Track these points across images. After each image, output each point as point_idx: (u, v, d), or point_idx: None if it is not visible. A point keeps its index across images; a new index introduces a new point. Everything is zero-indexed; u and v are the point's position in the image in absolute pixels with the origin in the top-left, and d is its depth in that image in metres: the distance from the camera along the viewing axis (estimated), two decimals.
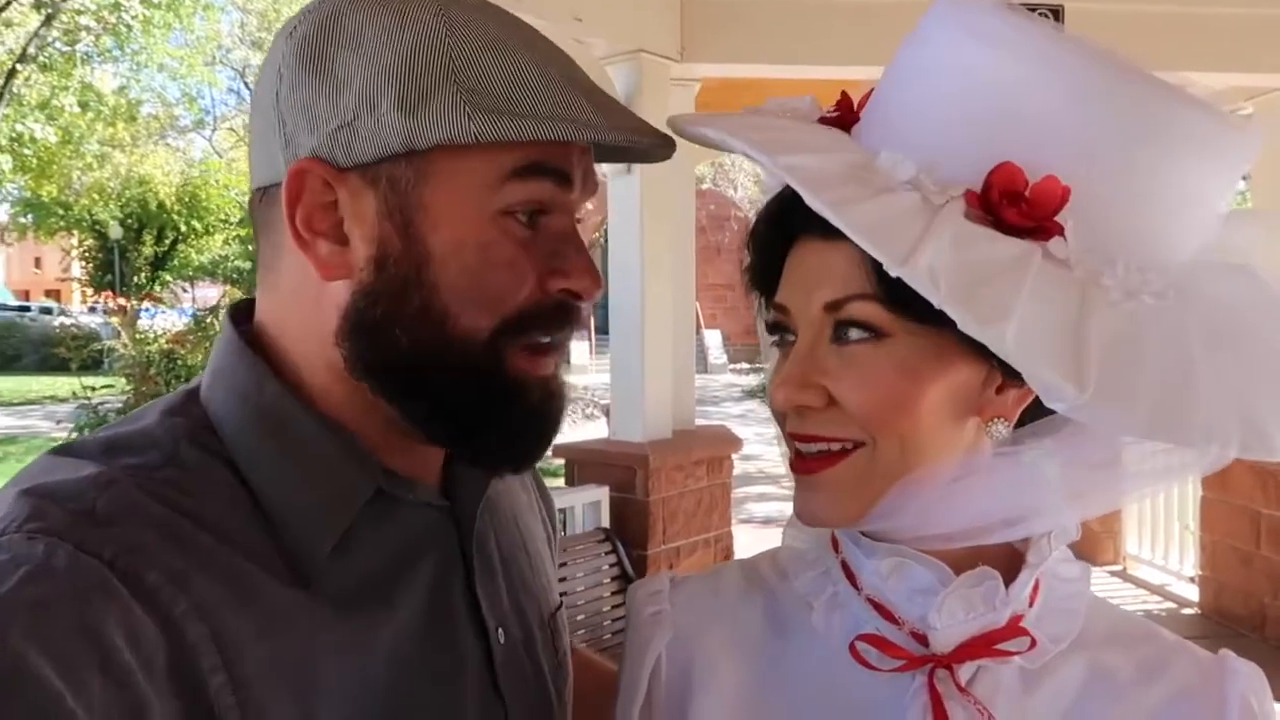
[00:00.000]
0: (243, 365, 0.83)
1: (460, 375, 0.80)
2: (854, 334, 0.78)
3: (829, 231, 0.73)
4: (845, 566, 0.88)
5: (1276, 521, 5.27)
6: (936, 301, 0.67)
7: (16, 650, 0.60)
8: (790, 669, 0.88)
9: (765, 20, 4.89)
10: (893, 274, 0.69)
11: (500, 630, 0.91)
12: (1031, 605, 0.83)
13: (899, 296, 0.73)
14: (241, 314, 0.88)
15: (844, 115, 0.88)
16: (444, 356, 0.79)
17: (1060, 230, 0.73)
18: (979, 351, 0.72)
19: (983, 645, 0.80)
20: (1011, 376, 0.77)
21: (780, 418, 0.85)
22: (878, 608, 0.84)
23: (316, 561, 0.77)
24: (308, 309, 0.82)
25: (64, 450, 0.78)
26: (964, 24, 0.79)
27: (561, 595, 3.74)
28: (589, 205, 0.89)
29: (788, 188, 0.80)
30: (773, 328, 0.87)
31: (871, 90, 0.87)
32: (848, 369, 0.78)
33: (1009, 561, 0.82)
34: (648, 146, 0.83)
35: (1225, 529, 5.61)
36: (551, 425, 0.86)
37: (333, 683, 0.75)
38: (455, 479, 0.91)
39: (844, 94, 0.89)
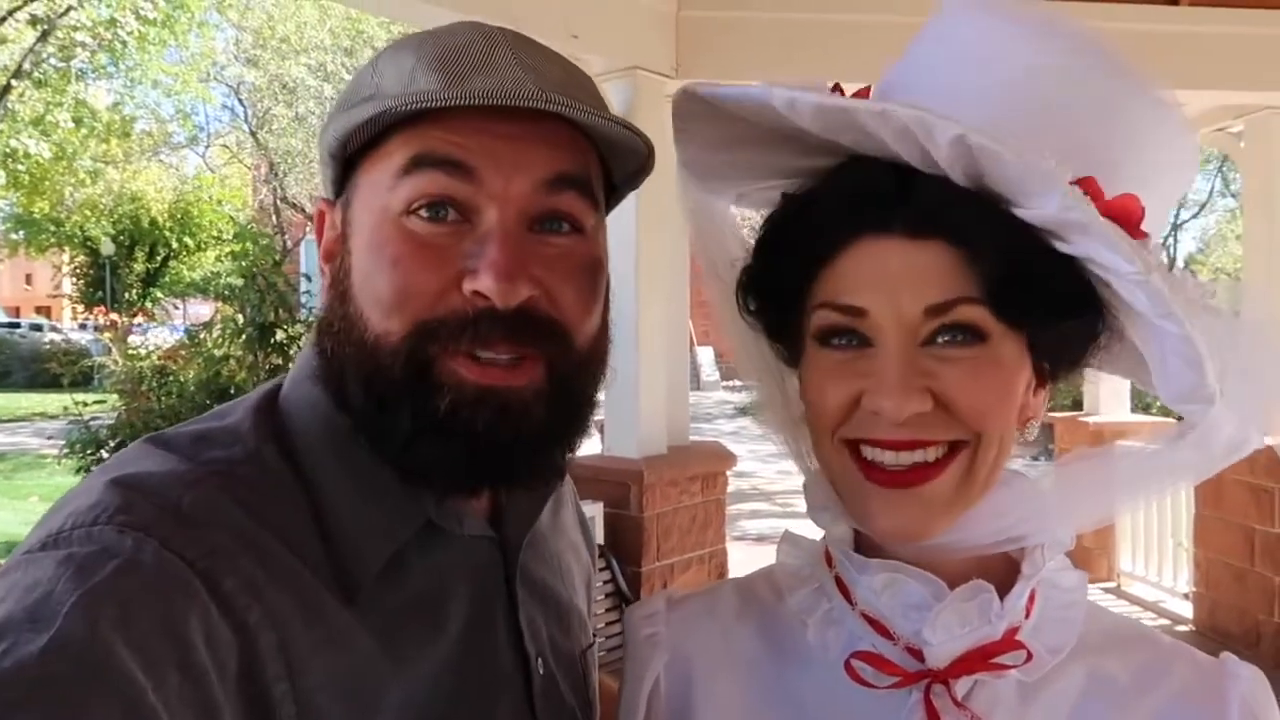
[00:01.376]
0: (316, 378, 0.85)
1: (384, 385, 0.78)
2: (957, 337, 0.76)
3: (917, 229, 0.73)
4: (839, 582, 0.87)
5: (1271, 538, 5.26)
6: (1165, 313, 0.70)
7: (106, 641, 0.61)
8: (788, 687, 0.87)
9: (759, 37, 4.90)
10: (1139, 282, 0.69)
11: (540, 660, 0.91)
12: (1028, 616, 0.83)
13: (1005, 299, 0.73)
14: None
15: None
16: (366, 365, 0.79)
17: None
18: (1030, 352, 0.75)
19: (979, 659, 0.79)
20: (1044, 377, 0.80)
21: (832, 423, 0.81)
22: (872, 623, 0.83)
23: (364, 581, 0.78)
24: None
25: (154, 440, 0.80)
26: (1002, 13, 0.80)
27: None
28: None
29: (840, 180, 0.80)
30: (833, 330, 0.80)
31: (868, 87, 0.85)
32: (953, 370, 0.76)
33: (1004, 574, 0.82)
34: (533, 104, 0.77)
35: (1219, 545, 5.61)
36: (488, 442, 0.78)
37: (384, 701, 0.77)
38: (503, 511, 0.92)
39: (837, 86, 0.87)
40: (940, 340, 0.76)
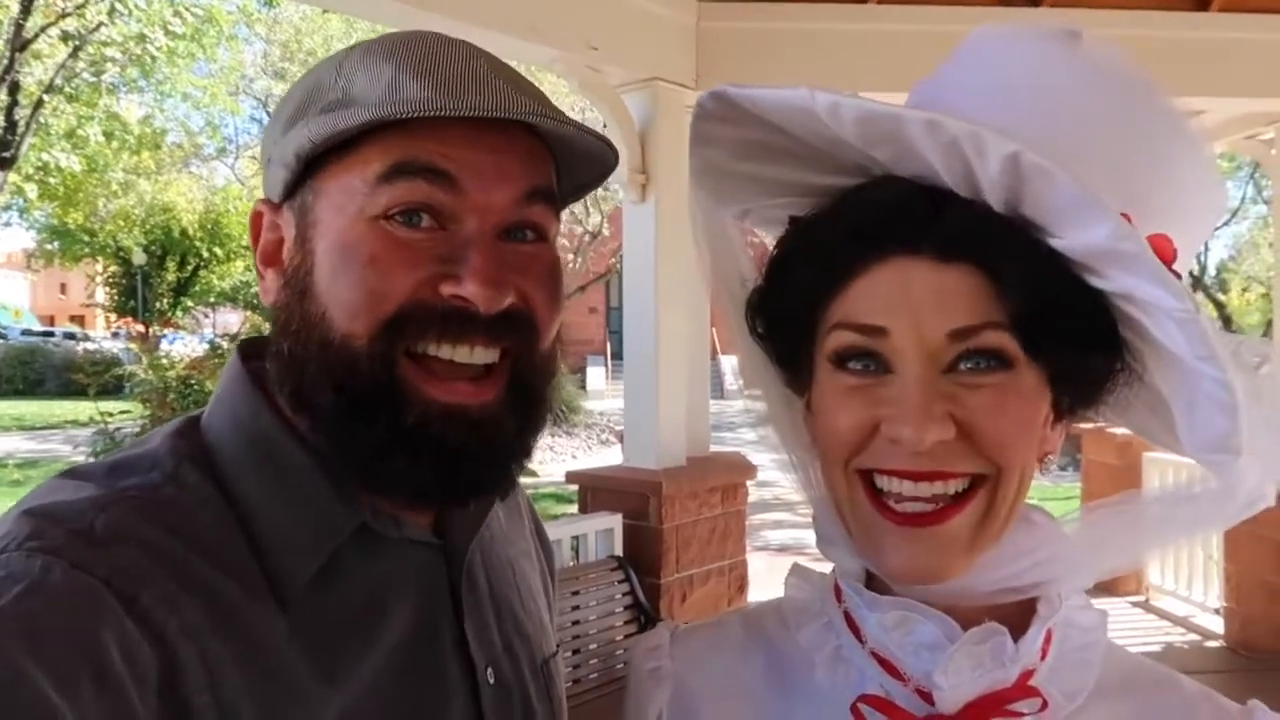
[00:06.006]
0: (241, 394, 0.85)
1: (354, 390, 0.78)
2: (982, 363, 0.73)
3: (946, 251, 0.71)
4: (849, 618, 0.84)
5: None
6: (1206, 355, 0.66)
7: (14, 663, 0.61)
8: None
9: (780, 47, 4.89)
10: (1185, 320, 0.66)
11: (490, 670, 0.90)
12: (1044, 658, 0.79)
13: (1032, 328, 0.71)
14: (253, 348, 0.90)
15: None
16: (326, 366, 0.79)
17: None
18: (1050, 386, 0.73)
19: (992, 705, 0.76)
20: (1061, 412, 0.77)
21: (845, 451, 0.77)
22: (882, 663, 0.80)
23: (295, 590, 0.78)
24: None
25: (70, 473, 0.80)
26: (1037, 38, 0.78)
27: (573, 624, 3.68)
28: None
29: (866, 197, 0.78)
30: (850, 352, 0.77)
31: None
32: (977, 397, 0.73)
33: (1019, 614, 0.78)
34: (516, 116, 0.78)
35: (1251, 560, 5.52)
36: (457, 457, 0.79)
37: (313, 714, 0.76)
38: (448, 518, 0.91)
39: None
40: (964, 366, 0.73)
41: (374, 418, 0.78)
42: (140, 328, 25.72)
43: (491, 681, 0.89)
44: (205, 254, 30.00)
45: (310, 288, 0.80)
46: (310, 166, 0.82)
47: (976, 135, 0.67)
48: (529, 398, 0.84)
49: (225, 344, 11.14)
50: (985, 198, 0.71)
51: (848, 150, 0.77)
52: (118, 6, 17.13)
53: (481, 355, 0.80)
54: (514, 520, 1.08)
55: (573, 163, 0.88)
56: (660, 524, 4.64)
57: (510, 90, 0.81)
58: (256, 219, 0.87)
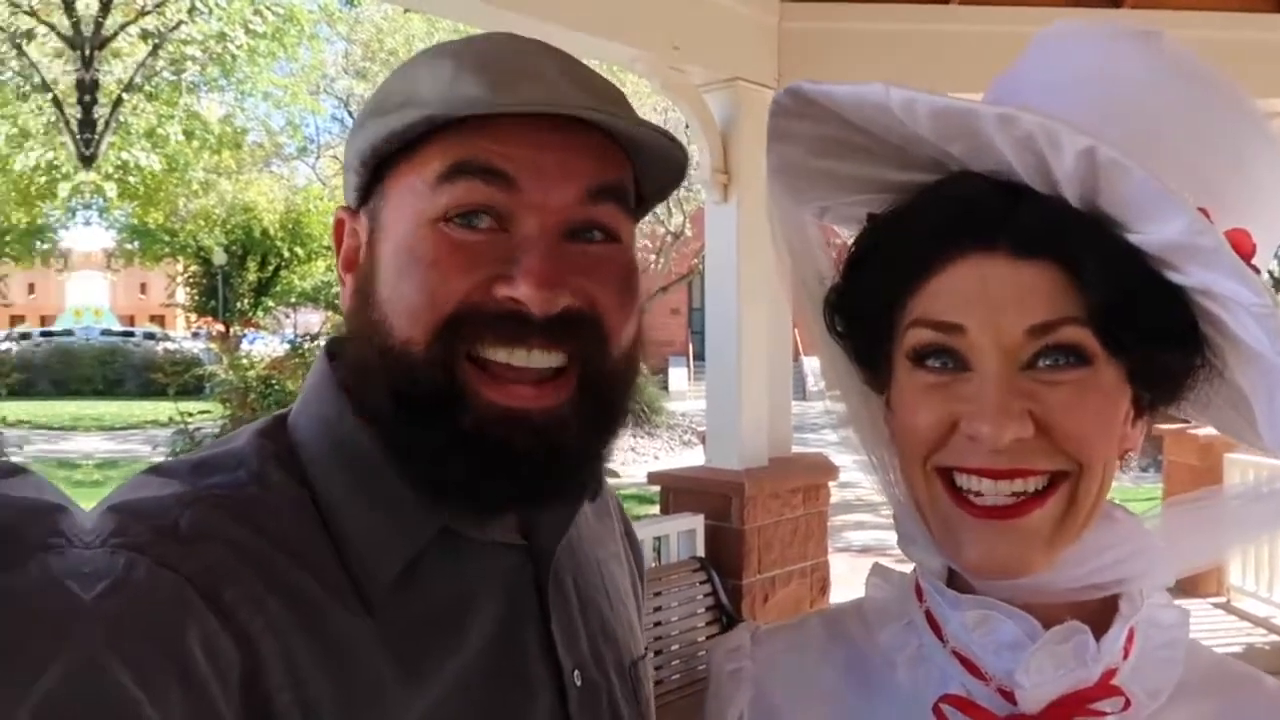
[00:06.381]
0: (328, 394, 0.85)
1: (412, 395, 0.77)
2: (1060, 359, 0.73)
3: (1023, 248, 0.71)
4: (930, 618, 0.84)
5: None
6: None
7: (98, 660, 0.61)
8: None
9: (861, 47, 4.87)
10: (1264, 315, 0.66)
11: (577, 672, 0.89)
12: (1126, 657, 0.79)
13: (1111, 324, 0.71)
14: (340, 347, 0.90)
15: None
16: (386, 372, 0.78)
17: None
18: (1130, 382, 0.73)
19: (1075, 704, 0.76)
20: (1141, 409, 0.77)
21: (924, 449, 0.77)
22: (964, 662, 0.80)
23: (379, 591, 0.78)
24: None
25: (155, 470, 0.80)
26: (1112, 33, 0.78)
27: (655, 625, 3.63)
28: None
29: (943, 194, 0.77)
30: (928, 349, 0.77)
31: None
32: (1056, 394, 0.73)
33: (1101, 611, 0.79)
34: (572, 111, 0.77)
35: None
36: (518, 462, 0.78)
37: (396, 715, 0.76)
38: (535, 519, 0.90)
39: None
40: (1042, 363, 0.73)
41: (432, 422, 0.77)
42: (220, 328, 26.26)
43: (578, 684, 0.89)
44: (286, 254, 30.25)
45: (374, 293, 0.80)
46: (379, 170, 0.82)
47: (1051, 129, 0.67)
48: (601, 402, 0.82)
49: (306, 344, 11.29)
50: (1061, 192, 0.71)
51: (923, 146, 0.77)
52: (198, 5, 17.37)
53: (541, 359, 0.78)
54: (604, 522, 1.07)
55: (650, 164, 0.86)
56: (742, 525, 4.64)
57: (569, 86, 0.79)
58: (339, 226, 0.89)
